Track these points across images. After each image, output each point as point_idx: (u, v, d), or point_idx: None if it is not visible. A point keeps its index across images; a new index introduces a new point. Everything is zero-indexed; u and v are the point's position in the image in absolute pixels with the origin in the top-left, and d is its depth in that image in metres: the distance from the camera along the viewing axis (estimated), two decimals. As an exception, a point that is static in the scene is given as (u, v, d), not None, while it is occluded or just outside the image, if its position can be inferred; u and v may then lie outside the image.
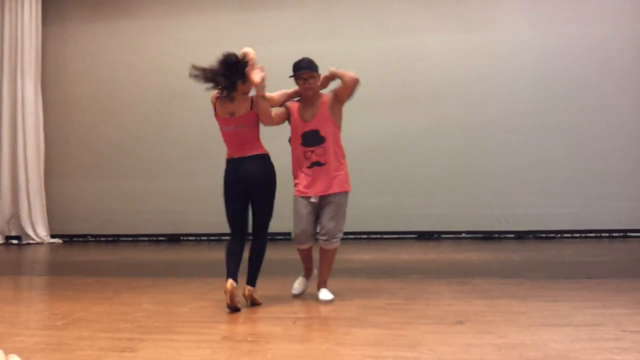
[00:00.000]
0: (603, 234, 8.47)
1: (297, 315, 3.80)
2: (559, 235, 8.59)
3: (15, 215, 9.77)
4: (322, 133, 4.35)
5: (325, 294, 4.31)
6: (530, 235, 8.62)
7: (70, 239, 9.92)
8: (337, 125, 4.49)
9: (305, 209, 4.34)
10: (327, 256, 4.43)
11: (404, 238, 8.92)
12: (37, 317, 4.20)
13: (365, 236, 9.00)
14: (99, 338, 3.27)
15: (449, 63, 8.85)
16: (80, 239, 9.93)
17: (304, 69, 4.35)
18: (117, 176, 9.76)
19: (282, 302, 4.22)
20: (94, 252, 8.59)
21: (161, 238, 9.66)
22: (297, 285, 4.58)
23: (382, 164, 8.84)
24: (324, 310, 3.94)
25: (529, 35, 8.71)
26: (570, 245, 7.82)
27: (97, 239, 9.90)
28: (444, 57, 8.88)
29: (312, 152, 4.34)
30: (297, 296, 4.48)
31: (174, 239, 9.60)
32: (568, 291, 4.44)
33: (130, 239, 9.72)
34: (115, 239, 9.80)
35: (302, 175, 4.37)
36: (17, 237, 9.78)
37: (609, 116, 8.48)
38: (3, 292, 5.28)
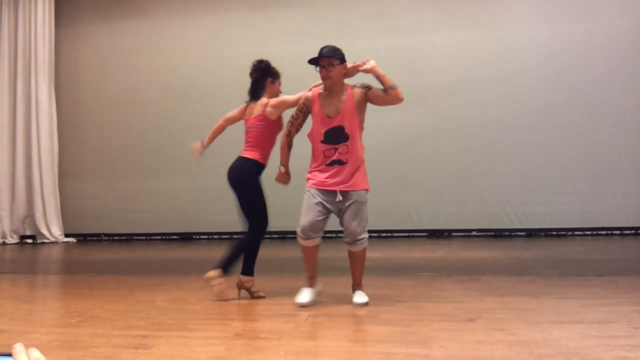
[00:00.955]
0: (614, 232, 8.45)
1: (309, 312, 3.83)
2: (569, 233, 8.56)
3: (30, 215, 9.87)
4: (347, 130, 4.05)
5: (359, 297, 4.06)
6: (541, 233, 8.60)
7: (84, 238, 10.00)
8: (362, 122, 4.21)
9: (314, 199, 4.05)
10: (355, 258, 4.15)
11: (414, 236, 8.93)
12: (52, 315, 4.25)
13: (376, 234, 9.00)
14: (113, 335, 3.32)
15: (457, 61, 8.85)
16: (94, 238, 10.02)
17: (322, 56, 4.12)
18: (130, 176, 9.84)
19: (294, 300, 4.24)
20: (107, 251, 8.66)
21: (174, 237, 9.73)
22: (303, 295, 4.10)
23: (392, 163, 8.85)
24: (335, 307, 3.96)
25: (538, 33, 8.69)
26: (581, 243, 7.80)
27: (111, 237, 9.98)
28: (453, 55, 8.88)
29: (336, 149, 4.06)
30: (304, 306, 4.01)
31: (186, 238, 9.66)
32: (579, 288, 4.44)
33: (143, 237, 9.79)
34: (128, 238, 9.88)
35: (317, 172, 4.11)
36: (32, 237, 9.88)
37: (619, 113, 8.45)
38: (19, 291, 5.35)
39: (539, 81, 8.64)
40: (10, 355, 0.90)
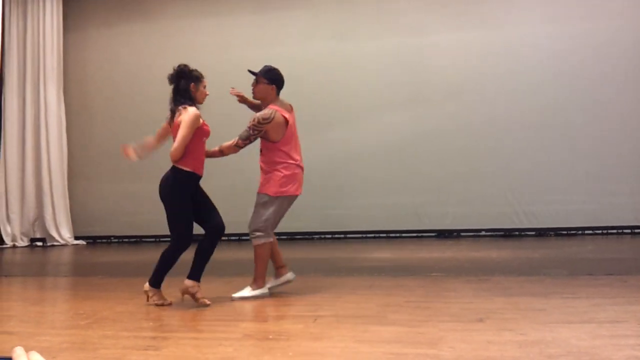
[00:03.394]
0: (625, 231, 8.40)
1: (317, 313, 3.82)
2: (579, 232, 8.52)
3: (40, 218, 9.93)
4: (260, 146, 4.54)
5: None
6: (551, 233, 8.56)
7: (93, 241, 10.05)
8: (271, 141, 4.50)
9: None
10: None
11: (423, 236, 8.91)
12: (61, 317, 4.27)
13: (384, 235, 9.01)
14: (122, 337, 3.33)
15: (464, 61, 8.83)
16: (104, 240, 10.06)
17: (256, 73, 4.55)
18: (138, 178, 9.85)
19: (302, 301, 4.24)
20: (116, 253, 8.70)
21: (182, 239, 9.74)
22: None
23: (401, 163, 8.85)
24: (343, 308, 3.96)
25: (545, 32, 8.66)
26: (591, 242, 7.75)
27: (120, 240, 10.02)
28: (459, 55, 8.86)
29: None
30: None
31: (194, 240, 9.66)
32: (589, 288, 4.41)
33: (152, 239, 9.81)
34: (137, 240, 9.91)
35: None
36: (42, 239, 9.94)
37: (628, 112, 8.40)
38: (29, 293, 5.38)
39: (546, 80, 8.60)
40: (10, 359, 0.90)
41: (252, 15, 9.55)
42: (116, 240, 10.04)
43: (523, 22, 8.75)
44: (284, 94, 4.66)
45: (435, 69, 8.89)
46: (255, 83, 4.54)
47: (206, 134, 4.27)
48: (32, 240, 9.96)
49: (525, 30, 8.72)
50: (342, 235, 9.17)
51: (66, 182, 10.00)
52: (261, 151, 4.53)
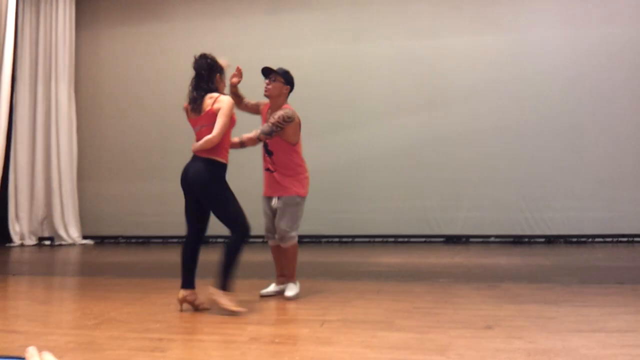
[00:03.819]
0: (635, 239, 8.31)
1: (325, 317, 3.81)
2: (590, 240, 8.45)
3: (48, 217, 9.96)
4: (270, 147, 4.54)
5: (289, 290, 4.54)
6: (561, 240, 8.50)
7: (101, 240, 10.07)
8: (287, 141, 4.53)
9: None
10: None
11: (431, 242, 8.86)
12: (69, 317, 4.28)
13: (392, 239, 8.97)
14: (129, 338, 3.32)
15: (477, 65, 8.79)
16: (112, 240, 10.08)
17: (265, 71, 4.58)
18: (147, 179, 9.89)
19: (310, 305, 4.23)
20: (124, 254, 8.71)
21: (190, 240, 9.74)
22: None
23: (410, 167, 8.81)
24: (351, 313, 3.94)
25: (559, 37, 8.60)
26: (601, 250, 7.69)
27: (128, 240, 10.04)
28: (472, 59, 8.82)
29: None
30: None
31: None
32: (599, 296, 4.37)
33: (160, 240, 9.83)
34: (145, 241, 9.93)
35: None
36: (50, 238, 9.97)
37: (641, 118, 8.33)
38: (36, 292, 5.39)
39: (558, 86, 8.55)
40: (23, 358, 0.90)
41: (265, 16, 9.56)
42: (124, 240, 10.06)
43: (536, 27, 8.70)
44: (295, 95, 4.67)
45: (446, 73, 8.85)
46: (272, 80, 4.53)
47: (234, 124, 4.20)
48: (41, 239, 10.00)
49: (539, 35, 8.67)
50: (350, 239, 9.14)
51: (75, 182, 10.02)
52: (270, 153, 4.53)
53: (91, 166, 10.18)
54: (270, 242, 4.68)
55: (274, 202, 4.53)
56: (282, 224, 4.45)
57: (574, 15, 8.59)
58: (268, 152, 4.54)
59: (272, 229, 4.59)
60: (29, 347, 0.91)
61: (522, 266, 6.35)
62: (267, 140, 4.46)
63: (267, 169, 4.58)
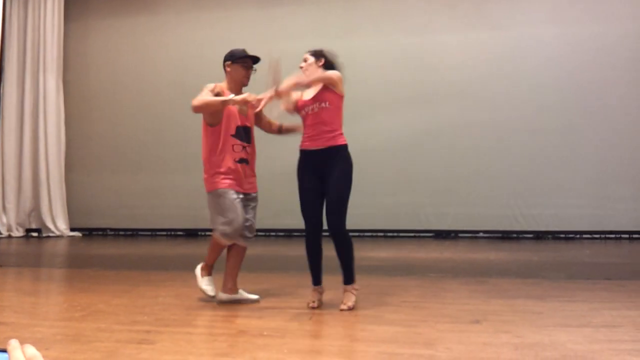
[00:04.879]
0: (623, 236, 8.39)
1: (313, 311, 3.81)
2: (577, 236, 8.51)
3: (36, 209, 9.90)
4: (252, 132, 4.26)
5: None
6: (549, 236, 8.55)
7: (89, 233, 10.02)
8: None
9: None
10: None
11: (420, 237, 8.89)
12: (56, 309, 4.25)
13: (381, 234, 8.99)
14: (116, 330, 3.30)
15: (468, 61, 8.81)
16: (100, 233, 10.04)
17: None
18: (136, 171, 9.84)
19: (298, 298, 4.22)
20: (112, 246, 8.67)
21: (179, 232, 9.74)
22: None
23: (400, 163, 8.82)
24: (340, 306, 3.93)
25: (550, 34, 8.64)
26: (589, 246, 7.74)
27: (116, 232, 10.00)
28: (463, 55, 8.84)
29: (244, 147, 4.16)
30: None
31: (191, 234, 9.66)
32: (586, 292, 4.40)
33: (149, 233, 9.80)
34: (133, 233, 9.89)
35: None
36: (38, 230, 9.91)
37: (631, 116, 8.39)
38: (23, 284, 5.35)
39: (549, 83, 8.58)
40: (5, 351, 0.89)
41: (256, 10, 9.53)
42: (112, 232, 10.02)
43: (528, 23, 8.73)
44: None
45: (437, 69, 8.87)
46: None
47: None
48: (28, 230, 9.94)
49: (531, 32, 8.70)
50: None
51: (63, 173, 9.97)
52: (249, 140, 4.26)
53: (79, 158, 10.12)
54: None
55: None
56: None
57: (567, 13, 8.63)
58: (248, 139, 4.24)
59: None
60: (11, 340, 0.90)
61: (510, 261, 6.38)
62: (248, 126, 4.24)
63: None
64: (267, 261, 6.56)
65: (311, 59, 4.15)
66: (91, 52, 10.22)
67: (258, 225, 4.32)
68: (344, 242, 3.94)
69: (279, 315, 3.72)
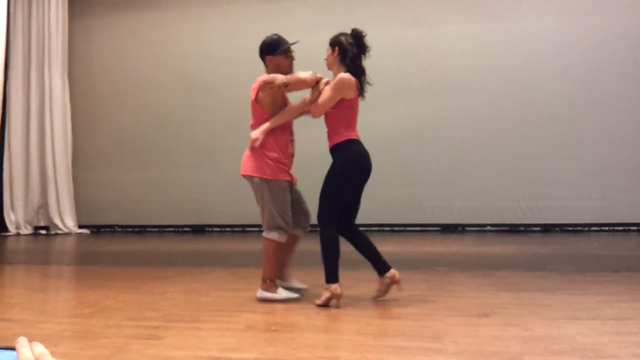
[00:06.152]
0: (631, 228, 8.34)
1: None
2: (586, 229, 8.47)
3: (44, 206, 9.93)
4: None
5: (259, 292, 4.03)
6: (557, 229, 8.52)
7: (97, 229, 10.05)
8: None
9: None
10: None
11: (427, 230, 8.87)
12: (64, 305, 4.27)
13: (388, 228, 8.98)
14: (124, 326, 3.31)
15: (470, 54, 8.76)
16: (107, 229, 10.06)
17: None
18: (143, 167, 9.86)
19: (306, 293, 4.22)
20: (120, 242, 8.70)
21: (186, 229, 9.75)
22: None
23: (406, 156, 8.79)
24: (347, 301, 3.93)
25: (553, 27, 8.58)
26: (597, 239, 7.71)
27: (124, 229, 10.02)
28: (465, 48, 8.79)
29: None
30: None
31: (199, 230, 9.68)
32: (595, 284, 4.38)
33: (156, 229, 9.82)
34: (141, 230, 9.91)
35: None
36: (46, 227, 9.94)
37: (636, 107, 8.33)
38: (32, 281, 5.38)
39: (554, 75, 8.53)
40: (13, 349, 0.89)
41: (260, 4, 9.49)
42: (120, 229, 10.04)
43: (532, 16, 8.67)
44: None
45: (441, 61, 8.82)
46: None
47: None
48: (36, 228, 9.97)
49: (534, 24, 8.64)
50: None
51: (70, 170, 9.98)
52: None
53: (86, 154, 10.14)
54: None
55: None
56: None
57: (568, 6, 8.57)
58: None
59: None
60: (20, 338, 0.90)
61: (517, 254, 6.36)
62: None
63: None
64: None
65: (329, 50, 4.21)
66: (96, 48, 10.22)
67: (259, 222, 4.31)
68: (320, 237, 3.86)
69: (287, 311, 3.72)
